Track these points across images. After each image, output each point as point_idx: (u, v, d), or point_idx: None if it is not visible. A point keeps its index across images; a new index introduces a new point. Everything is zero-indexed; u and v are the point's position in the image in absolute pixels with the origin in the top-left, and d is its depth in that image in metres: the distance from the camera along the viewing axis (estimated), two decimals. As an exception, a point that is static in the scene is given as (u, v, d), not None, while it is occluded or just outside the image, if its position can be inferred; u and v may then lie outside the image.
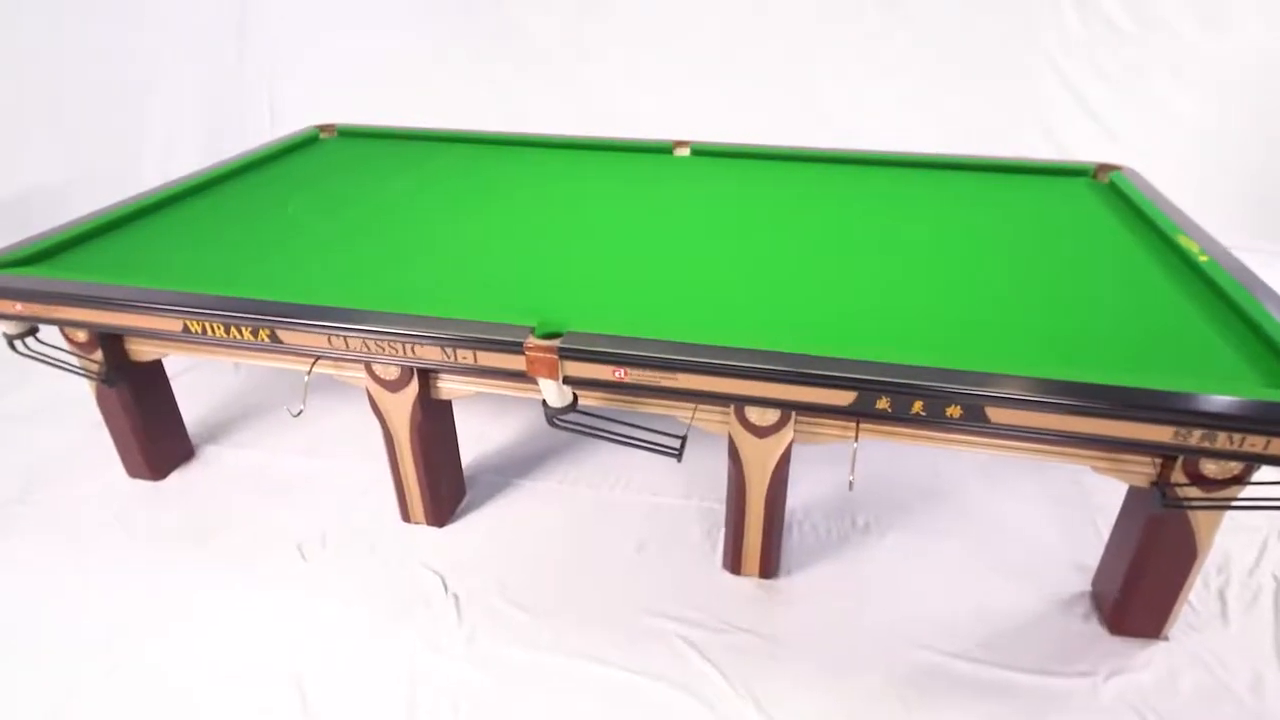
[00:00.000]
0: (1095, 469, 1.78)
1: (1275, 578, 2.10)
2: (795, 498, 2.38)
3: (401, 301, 1.97)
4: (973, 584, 2.11)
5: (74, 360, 2.27)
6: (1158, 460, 1.71)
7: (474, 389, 2.05)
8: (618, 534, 2.29)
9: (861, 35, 4.32)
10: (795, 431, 1.86)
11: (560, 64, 4.66)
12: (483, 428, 2.74)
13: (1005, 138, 4.25)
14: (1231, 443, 1.50)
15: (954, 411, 1.59)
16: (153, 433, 2.46)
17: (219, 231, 2.46)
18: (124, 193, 2.77)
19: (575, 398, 1.88)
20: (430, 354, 1.85)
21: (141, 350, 2.28)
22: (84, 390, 2.55)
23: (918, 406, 1.60)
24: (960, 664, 1.88)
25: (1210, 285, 1.96)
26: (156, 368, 2.43)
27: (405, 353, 1.86)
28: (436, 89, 4.79)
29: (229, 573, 2.17)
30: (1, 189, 4.46)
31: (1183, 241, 2.16)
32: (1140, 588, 1.86)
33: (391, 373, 2.02)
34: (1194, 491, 1.67)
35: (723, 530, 2.25)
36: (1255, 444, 1.50)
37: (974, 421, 1.60)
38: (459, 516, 2.36)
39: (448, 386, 2.08)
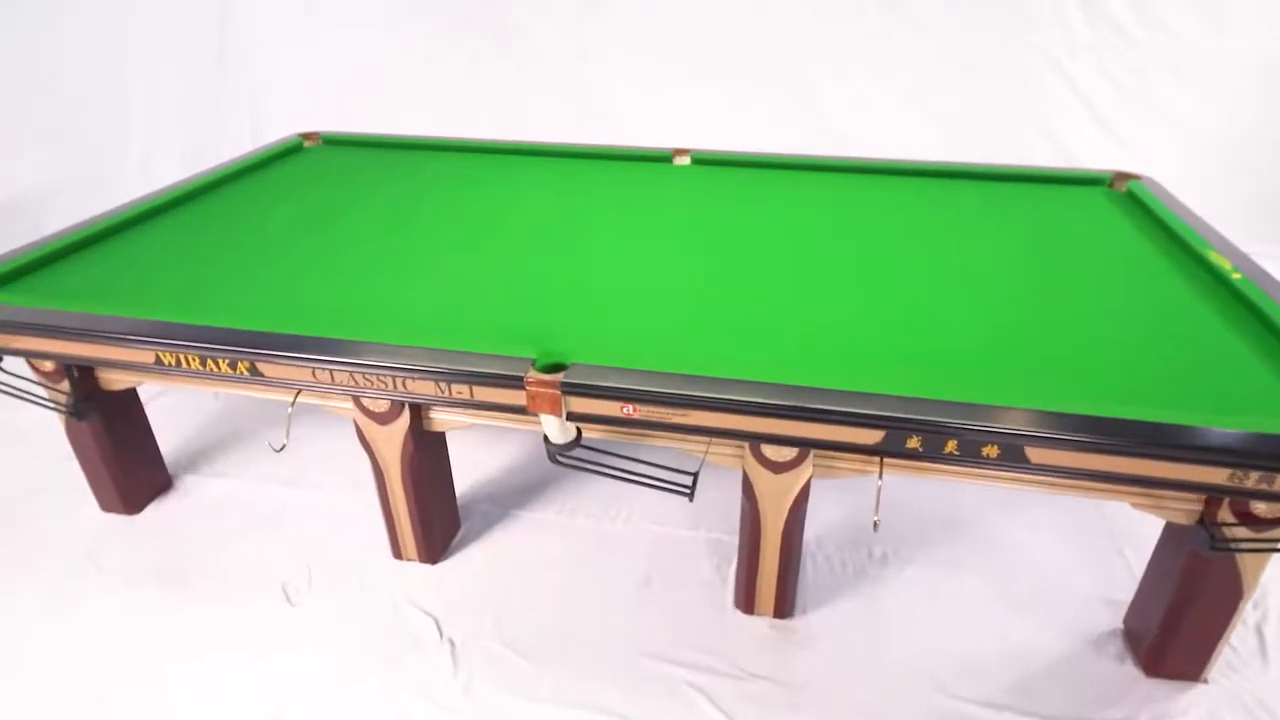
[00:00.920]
0: (1133, 505, 1.67)
1: (1315, 612, 2.01)
2: (807, 526, 2.26)
3: (391, 329, 1.83)
4: (997, 621, 2.00)
5: (40, 391, 2.12)
6: (1202, 497, 1.61)
7: (470, 420, 1.92)
8: (621, 569, 2.16)
9: (862, 36, 4.21)
10: (814, 466, 1.75)
11: (556, 66, 4.53)
12: (477, 454, 2.61)
13: (1009, 141, 4.16)
14: (1291, 485, 1.40)
15: (990, 451, 1.48)
16: (127, 464, 2.32)
17: (195, 250, 2.31)
18: (100, 206, 2.63)
19: (579, 432, 1.76)
20: (423, 389, 1.72)
21: (113, 379, 2.14)
22: (53, 417, 2.41)
23: (951, 446, 1.49)
24: (988, 713, 1.77)
25: (1249, 307, 1.86)
26: (130, 395, 2.29)
27: (396, 387, 1.73)
28: (427, 93, 4.64)
29: (209, 616, 2.03)
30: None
31: (1214, 258, 2.05)
32: (1180, 629, 1.75)
33: (381, 405, 1.89)
34: (1243, 532, 1.56)
35: (734, 564, 2.14)
36: (1316, 486, 1.39)
37: (1011, 462, 1.49)
38: (453, 552, 2.23)
39: (441, 418, 1.95)
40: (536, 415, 1.68)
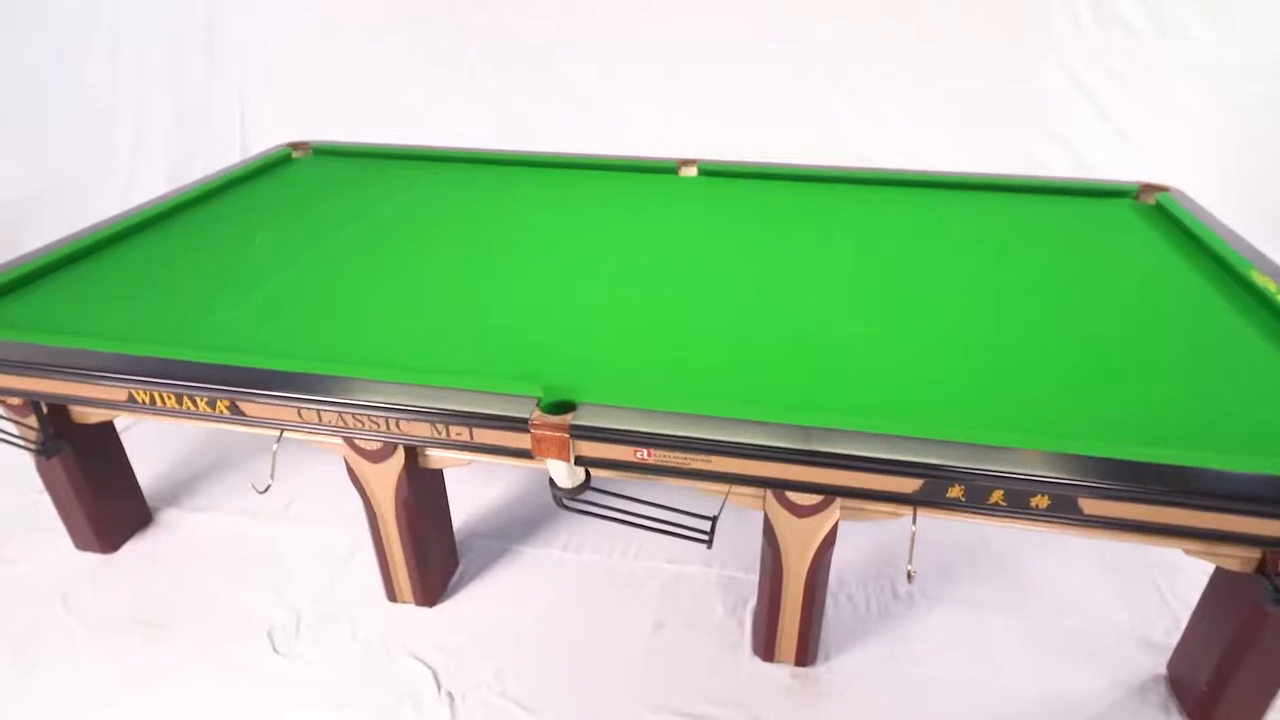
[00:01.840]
0: (1186, 552, 1.55)
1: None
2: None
3: (382, 361, 1.70)
4: (1031, 666, 1.88)
5: (8, 427, 1.98)
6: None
7: (469, 458, 1.79)
8: (631, 611, 2.03)
9: (870, 41, 4.08)
10: (841, 509, 1.62)
11: (551, 70, 4.39)
12: (475, 484, 2.48)
13: (1025, 148, 4.03)
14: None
15: (1040, 502, 1.36)
16: (102, 499, 2.17)
17: (174, 273, 2.17)
18: (82, 219, 2.48)
19: (588, 475, 1.63)
20: (418, 430, 1.58)
21: (86, 413, 2.00)
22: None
23: (997, 496, 1.36)
24: (1031, 771, 1.65)
25: (1303, 334, 1.74)
26: (105, 427, 2.15)
27: (389, 428, 1.60)
28: (421, 101, 4.49)
29: (190, 666, 1.89)
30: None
31: (1258, 279, 1.94)
32: (1234, 683, 1.63)
33: (373, 444, 1.76)
34: (1309, 584, 1.44)
35: (751, 605, 2.01)
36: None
37: (1062, 513, 1.37)
38: (451, 593, 2.09)
39: (438, 455, 1.81)
40: (543, 459, 1.55)
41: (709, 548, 1.62)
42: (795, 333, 1.84)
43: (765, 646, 1.87)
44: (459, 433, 1.56)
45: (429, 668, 1.88)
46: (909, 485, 1.39)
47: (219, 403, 1.64)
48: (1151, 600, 2.05)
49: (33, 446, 1.94)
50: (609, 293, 2.04)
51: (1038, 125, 4.11)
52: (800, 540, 1.66)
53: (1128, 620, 2.00)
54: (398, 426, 1.58)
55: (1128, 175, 2.82)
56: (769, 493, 1.61)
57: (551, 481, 1.62)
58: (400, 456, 1.77)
